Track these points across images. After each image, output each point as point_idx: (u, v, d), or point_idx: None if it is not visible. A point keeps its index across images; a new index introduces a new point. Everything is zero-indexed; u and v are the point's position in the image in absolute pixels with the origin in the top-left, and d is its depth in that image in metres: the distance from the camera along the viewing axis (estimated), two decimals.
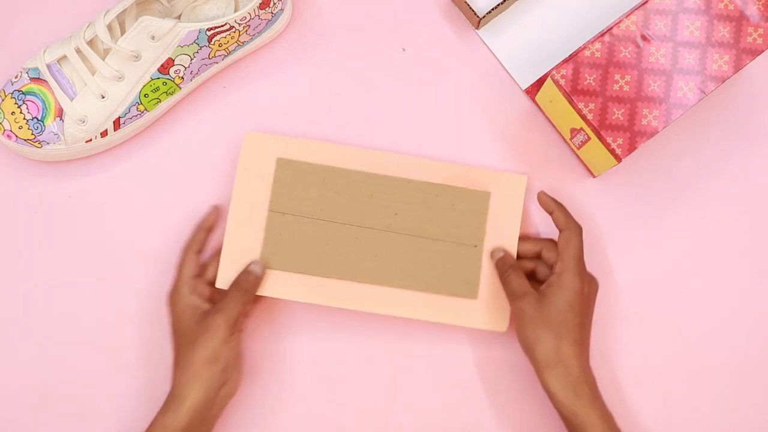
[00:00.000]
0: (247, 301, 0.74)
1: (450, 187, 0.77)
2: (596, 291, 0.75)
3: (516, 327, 0.73)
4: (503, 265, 0.75)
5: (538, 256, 0.77)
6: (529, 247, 0.78)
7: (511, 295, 0.74)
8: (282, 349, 0.79)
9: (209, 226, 0.78)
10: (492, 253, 0.77)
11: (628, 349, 0.80)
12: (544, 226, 0.81)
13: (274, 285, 0.75)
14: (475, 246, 0.77)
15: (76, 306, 0.79)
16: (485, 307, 0.76)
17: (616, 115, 0.73)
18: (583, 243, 0.74)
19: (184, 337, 0.73)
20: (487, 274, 0.76)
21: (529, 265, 0.77)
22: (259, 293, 0.76)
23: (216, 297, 0.75)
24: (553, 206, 0.76)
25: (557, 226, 0.75)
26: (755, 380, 0.80)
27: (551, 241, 0.77)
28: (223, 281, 0.75)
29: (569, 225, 0.74)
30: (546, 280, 0.74)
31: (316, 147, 0.77)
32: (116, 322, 0.79)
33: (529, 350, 0.72)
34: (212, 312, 0.72)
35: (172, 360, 0.73)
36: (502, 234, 0.77)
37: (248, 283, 0.74)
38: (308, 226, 0.76)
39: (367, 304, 0.76)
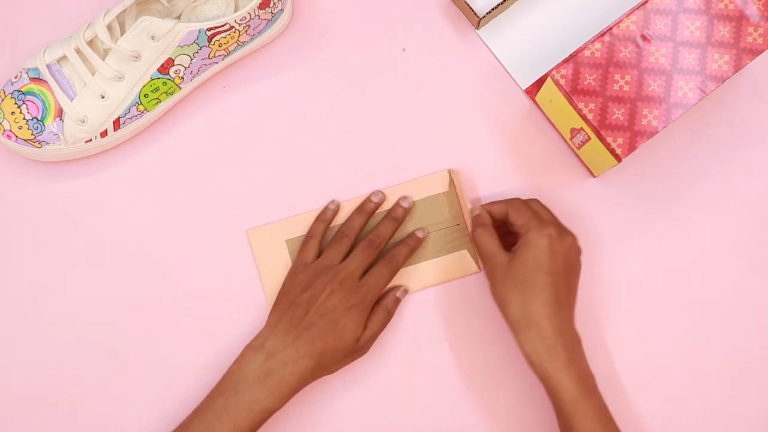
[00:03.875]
0: (389, 321, 0.78)
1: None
2: (575, 247, 0.73)
3: (490, 288, 0.73)
4: (474, 223, 0.76)
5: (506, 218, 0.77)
6: (497, 209, 0.77)
7: (482, 255, 0.74)
8: None
9: (329, 219, 0.80)
10: (471, 211, 0.78)
11: (628, 349, 0.80)
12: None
13: None
14: (458, 224, 0.81)
15: (75, 306, 0.79)
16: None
17: (616, 115, 0.73)
18: (538, 204, 0.75)
19: (344, 354, 0.75)
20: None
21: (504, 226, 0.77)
22: None
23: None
24: (498, 207, 0.76)
25: (500, 209, 0.76)
26: (755, 380, 0.80)
27: (516, 200, 0.76)
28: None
29: (510, 200, 0.75)
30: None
31: (303, 218, 0.81)
32: (116, 323, 0.79)
33: (502, 312, 0.72)
34: (370, 338, 0.76)
35: (318, 361, 0.73)
36: (451, 224, 0.81)
37: (394, 307, 0.78)
38: None
39: None
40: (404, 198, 0.80)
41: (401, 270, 0.80)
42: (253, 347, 0.73)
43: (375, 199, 0.80)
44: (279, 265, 0.80)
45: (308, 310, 0.73)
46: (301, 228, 0.80)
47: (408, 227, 0.81)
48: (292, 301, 0.75)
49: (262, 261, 0.80)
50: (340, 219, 0.80)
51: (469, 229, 0.78)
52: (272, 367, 0.72)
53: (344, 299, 0.73)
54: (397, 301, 0.78)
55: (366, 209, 0.79)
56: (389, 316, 0.77)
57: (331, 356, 0.73)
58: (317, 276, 0.75)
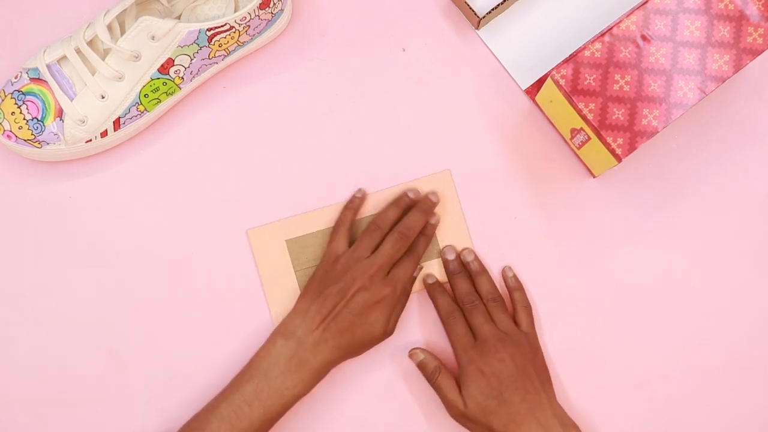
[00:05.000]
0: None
1: None
2: (504, 354, 0.75)
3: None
4: (429, 371, 0.77)
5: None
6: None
7: (443, 399, 0.76)
8: None
9: (356, 207, 0.80)
10: (412, 355, 0.78)
11: (628, 349, 0.80)
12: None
13: None
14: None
15: (75, 306, 0.79)
16: None
17: (616, 115, 0.73)
18: (457, 331, 0.77)
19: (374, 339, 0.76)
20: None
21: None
22: None
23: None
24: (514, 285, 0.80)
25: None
26: (756, 380, 0.80)
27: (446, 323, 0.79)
28: (277, 314, 0.80)
29: (446, 320, 0.78)
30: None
31: (303, 218, 0.81)
32: (116, 323, 0.79)
33: None
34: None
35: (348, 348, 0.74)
36: (450, 225, 0.81)
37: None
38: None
39: None
40: (433, 193, 0.80)
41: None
42: (283, 334, 0.74)
43: (411, 195, 0.80)
44: (279, 265, 0.80)
45: (337, 303, 0.74)
46: (301, 228, 0.80)
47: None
48: (322, 291, 0.75)
49: (262, 261, 0.80)
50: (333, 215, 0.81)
51: (414, 360, 0.78)
52: (303, 356, 0.73)
53: (373, 295, 0.74)
54: (413, 279, 0.79)
55: (401, 203, 0.80)
56: (407, 295, 0.78)
57: (359, 347, 0.75)
58: (347, 269, 0.75)
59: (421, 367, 0.77)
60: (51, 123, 0.76)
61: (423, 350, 0.78)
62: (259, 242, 0.80)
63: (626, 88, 0.73)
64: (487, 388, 0.73)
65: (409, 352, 0.78)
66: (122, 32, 0.77)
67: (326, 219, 0.81)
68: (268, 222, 0.81)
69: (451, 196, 0.81)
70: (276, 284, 0.80)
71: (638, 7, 0.74)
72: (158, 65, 0.76)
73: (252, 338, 0.79)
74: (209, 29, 0.75)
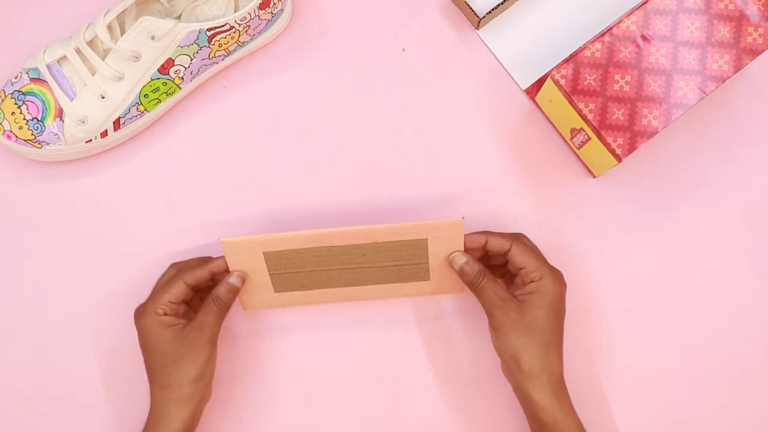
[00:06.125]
0: (226, 314, 0.72)
1: (392, 242, 0.73)
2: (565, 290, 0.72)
3: (497, 336, 0.70)
4: (472, 275, 0.71)
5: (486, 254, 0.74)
6: (497, 243, 0.73)
7: (492, 303, 0.70)
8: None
9: (215, 271, 0.73)
10: (452, 260, 0.73)
11: (628, 349, 0.80)
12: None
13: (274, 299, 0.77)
14: (422, 262, 0.75)
15: (75, 306, 0.79)
16: (437, 283, 0.76)
17: (616, 115, 0.73)
18: (531, 243, 0.74)
19: (164, 356, 0.70)
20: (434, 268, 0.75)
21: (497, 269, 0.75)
22: (264, 307, 0.77)
23: (189, 312, 0.74)
24: (483, 237, 0.72)
25: (502, 244, 0.71)
26: (755, 380, 0.80)
27: (521, 238, 0.73)
28: (250, 303, 0.77)
29: (514, 236, 0.73)
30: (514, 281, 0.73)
31: (287, 237, 0.73)
32: (116, 323, 0.79)
33: (512, 359, 0.69)
34: (194, 328, 0.70)
35: (150, 377, 0.71)
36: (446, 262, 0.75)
37: (228, 295, 0.72)
38: (303, 276, 0.76)
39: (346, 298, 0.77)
40: (234, 275, 0.73)
41: (363, 287, 0.76)
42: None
43: None
44: (254, 269, 0.75)
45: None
46: (280, 245, 0.73)
47: (383, 258, 0.74)
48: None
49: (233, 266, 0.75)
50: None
51: (455, 266, 0.72)
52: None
53: None
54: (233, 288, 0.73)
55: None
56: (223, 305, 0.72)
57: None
58: None
59: (461, 273, 0.72)
60: (51, 123, 0.76)
61: (464, 253, 0.72)
62: (233, 254, 0.74)
63: (626, 88, 0.73)
64: (550, 308, 0.69)
65: (449, 256, 0.72)
66: (122, 32, 0.77)
67: (307, 240, 0.73)
68: (255, 231, 0.80)
69: (456, 244, 0.73)
70: (249, 279, 0.75)
71: (638, 7, 0.74)
72: (158, 65, 0.76)
73: (244, 336, 0.79)
74: (209, 29, 0.75)
